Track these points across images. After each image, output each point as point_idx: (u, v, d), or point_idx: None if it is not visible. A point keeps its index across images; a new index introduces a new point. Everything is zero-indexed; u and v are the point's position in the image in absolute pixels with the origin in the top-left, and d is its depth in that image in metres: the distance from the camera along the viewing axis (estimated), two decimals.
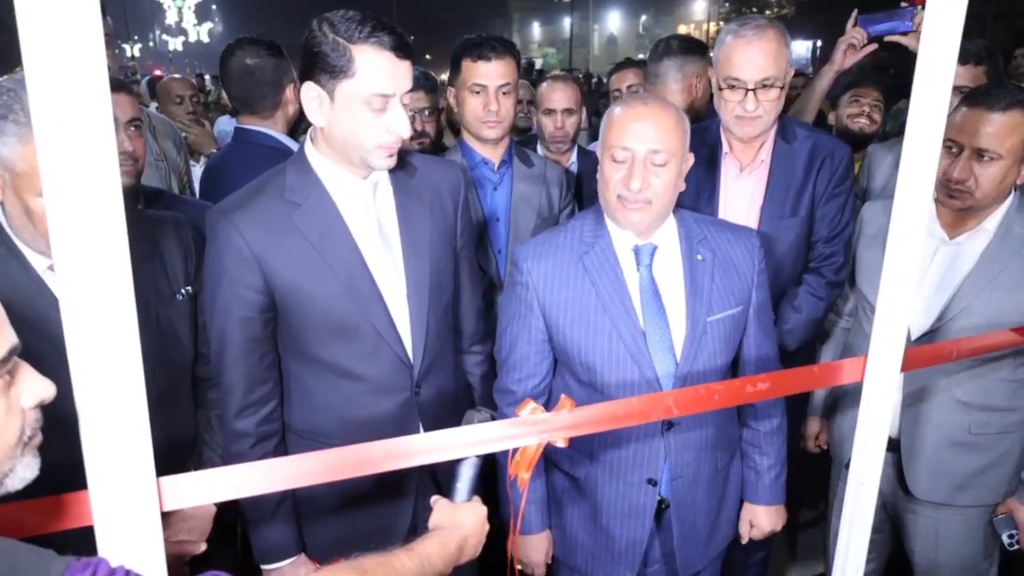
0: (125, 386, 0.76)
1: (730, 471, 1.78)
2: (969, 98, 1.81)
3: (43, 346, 1.26)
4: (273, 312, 1.52)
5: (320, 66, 1.38)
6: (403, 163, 1.57)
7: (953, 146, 1.78)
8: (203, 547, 1.55)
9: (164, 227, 1.61)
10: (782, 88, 1.95)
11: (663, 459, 1.63)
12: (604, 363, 1.57)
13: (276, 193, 1.49)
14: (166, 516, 1.50)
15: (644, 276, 1.59)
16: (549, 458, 1.75)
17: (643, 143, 1.50)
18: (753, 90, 1.91)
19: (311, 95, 1.41)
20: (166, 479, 0.84)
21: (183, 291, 1.60)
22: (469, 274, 1.78)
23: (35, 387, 0.74)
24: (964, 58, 2.42)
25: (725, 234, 1.67)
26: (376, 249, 1.54)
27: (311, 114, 1.44)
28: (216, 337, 1.51)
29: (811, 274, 2.10)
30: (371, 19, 1.38)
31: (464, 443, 1.12)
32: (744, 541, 1.82)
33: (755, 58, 1.89)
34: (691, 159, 1.59)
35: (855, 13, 2.50)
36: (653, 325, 1.57)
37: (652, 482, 1.64)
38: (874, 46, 2.48)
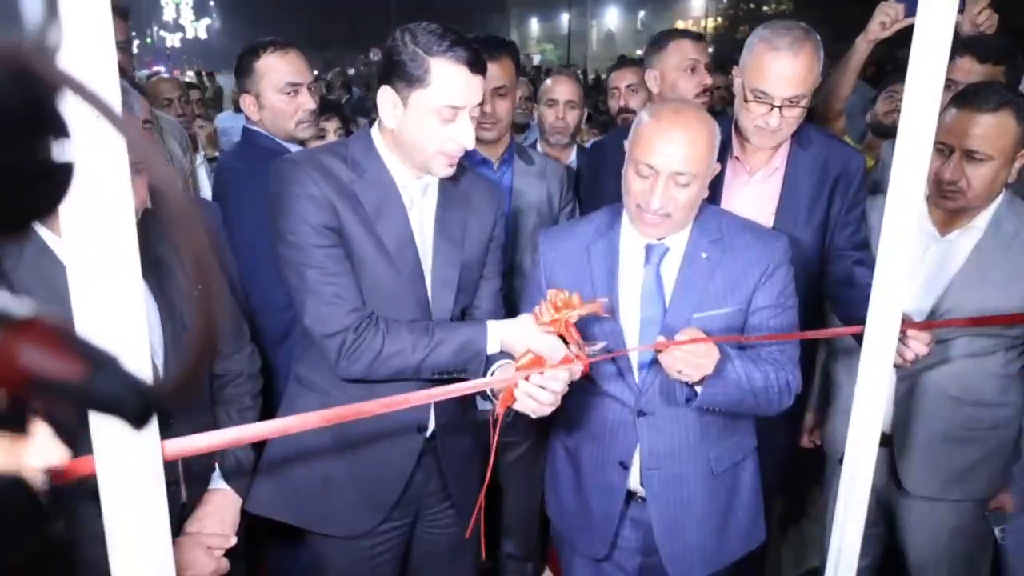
0: (131, 349, 0.79)
1: (739, 477, 1.75)
2: (958, 99, 1.81)
3: None
4: (344, 249, 1.54)
5: (397, 73, 1.46)
6: (454, 176, 1.64)
7: (944, 148, 1.79)
8: (234, 540, 1.56)
9: None
10: (806, 105, 1.88)
11: (635, 445, 1.67)
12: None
13: (340, 159, 1.56)
14: (193, 513, 1.54)
15: (650, 273, 1.63)
16: (549, 429, 1.85)
17: (668, 164, 1.49)
18: (779, 106, 1.84)
19: (386, 98, 1.50)
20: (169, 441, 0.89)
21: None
22: (495, 267, 1.81)
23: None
24: (983, 56, 2.35)
25: (745, 236, 1.65)
26: (416, 239, 1.61)
27: (384, 116, 1.52)
28: (295, 271, 1.50)
29: (854, 274, 1.98)
30: (451, 34, 1.46)
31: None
32: None
33: (787, 75, 1.81)
34: (717, 168, 1.60)
35: None
36: (650, 317, 1.62)
37: (624, 465, 1.68)
38: (909, 21, 2.27)
